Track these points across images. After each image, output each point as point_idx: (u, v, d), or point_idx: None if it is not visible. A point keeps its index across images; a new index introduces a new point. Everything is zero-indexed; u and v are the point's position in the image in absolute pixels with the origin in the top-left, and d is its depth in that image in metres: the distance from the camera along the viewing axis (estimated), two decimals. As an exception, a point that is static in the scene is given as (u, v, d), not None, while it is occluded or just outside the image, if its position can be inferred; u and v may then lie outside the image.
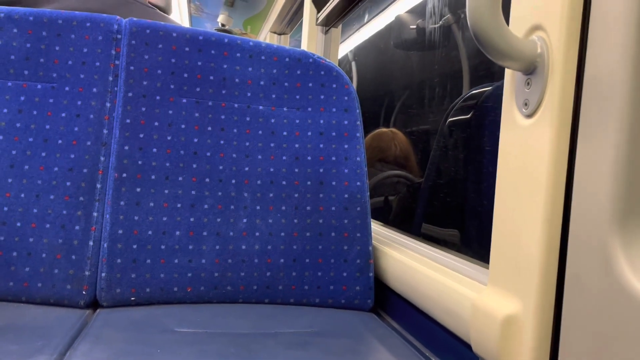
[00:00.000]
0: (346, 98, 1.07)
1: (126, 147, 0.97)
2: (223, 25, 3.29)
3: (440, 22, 1.74)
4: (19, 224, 0.93)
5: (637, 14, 0.47)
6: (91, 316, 0.90)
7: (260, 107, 1.04)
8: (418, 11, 1.93)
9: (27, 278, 0.92)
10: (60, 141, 0.96)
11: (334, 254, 1.03)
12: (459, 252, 0.92)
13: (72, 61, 0.98)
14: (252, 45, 1.05)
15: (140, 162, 0.97)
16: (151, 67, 0.99)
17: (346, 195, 1.04)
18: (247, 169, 1.02)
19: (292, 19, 2.78)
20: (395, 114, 2.27)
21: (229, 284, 0.99)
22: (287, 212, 1.02)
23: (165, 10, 1.53)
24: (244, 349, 0.77)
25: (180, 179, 0.99)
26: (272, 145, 1.03)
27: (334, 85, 1.06)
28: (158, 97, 0.99)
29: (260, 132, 1.03)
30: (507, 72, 0.65)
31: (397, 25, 1.95)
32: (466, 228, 1.22)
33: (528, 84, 0.60)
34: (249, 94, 1.04)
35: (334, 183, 1.04)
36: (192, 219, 0.98)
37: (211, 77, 1.02)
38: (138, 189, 0.97)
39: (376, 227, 1.25)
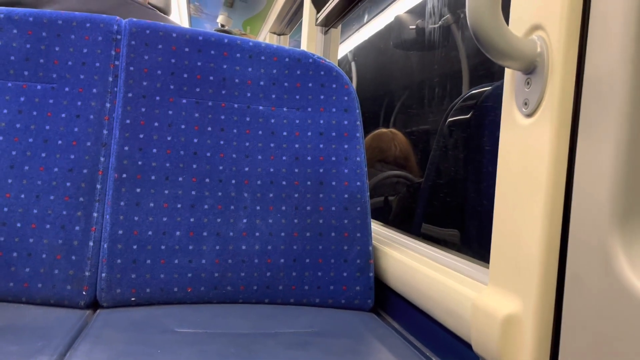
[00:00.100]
0: (346, 98, 1.07)
1: (126, 148, 0.97)
2: (222, 25, 3.29)
3: (440, 22, 1.74)
4: (19, 225, 0.93)
5: (636, 13, 0.47)
6: (91, 317, 0.90)
7: (260, 108, 1.04)
8: (417, 11, 1.94)
9: (27, 278, 0.92)
10: (60, 142, 0.96)
11: (334, 254, 1.03)
12: (459, 252, 0.92)
13: (72, 62, 0.98)
14: (252, 46, 1.05)
15: (140, 163, 0.97)
16: (151, 68, 0.99)
17: (346, 195, 1.04)
18: (247, 169, 1.02)
19: (291, 19, 2.78)
20: (395, 114, 2.27)
21: (229, 284, 0.99)
22: (287, 212, 1.02)
23: (165, 11, 1.53)
24: (244, 349, 0.77)
25: (180, 179, 0.99)
26: (272, 145, 1.04)
27: (334, 86, 1.06)
28: (158, 98, 0.99)
29: (260, 132, 1.03)
30: (507, 72, 0.65)
31: (396, 25, 1.95)
32: (466, 228, 1.22)
33: (528, 83, 0.60)
34: (248, 94, 1.04)
35: (334, 183, 1.04)
36: (192, 219, 0.98)
37: (211, 78, 1.02)
38: (138, 190, 0.97)
39: (376, 227, 1.25)
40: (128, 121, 0.97)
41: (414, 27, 1.87)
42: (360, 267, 1.03)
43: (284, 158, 1.03)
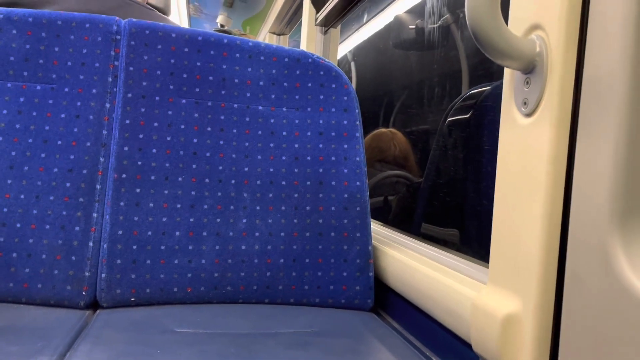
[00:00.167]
0: (345, 98, 1.07)
1: (126, 148, 0.97)
2: (222, 25, 3.29)
3: (439, 22, 1.74)
4: (18, 225, 0.93)
5: (635, 13, 0.47)
6: (91, 317, 0.90)
7: (260, 108, 1.04)
8: (417, 11, 1.94)
9: (27, 279, 0.92)
10: (59, 142, 0.96)
11: (333, 254, 1.03)
12: (458, 251, 0.92)
13: (72, 62, 0.98)
14: (251, 46, 1.05)
15: (139, 163, 0.97)
16: (150, 68, 0.99)
17: (346, 195, 1.04)
18: (246, 169, 1.02)
19: (291, 19, 2.78)
20: (394, 114, 2.27)
21: (228, 284, 0.99)
22: (286, 212, 1.02)
23: (164, 11, 1.53)
24: (244, 349, 0.77)
25: (179, 179, 0.99)
26: (271, 145, 1.04)
27: (333, 85, 1.06)
28: (157, 98, 0.99)
29: (259, 132, 1.03)
30: (506, 72, 0.65)
31: (396, 25, 1.96)
32: (466, 227, 1.23)
33: (527, 83, 0.60)
34: (248, 94, 1.04)
35: (333, 183, 1.04)
36: (191, 220, 0.98)
37: (210, 78, 1.02)
38: (138, 190, 0.97)
39: (376, 227, 1.25)
40: (128, 121, 0.97)
41: (413, 27, 1.87)
42: (360, 266, 1.03)
43: (283, 158, 1.03)
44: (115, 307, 0.95)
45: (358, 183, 1.05)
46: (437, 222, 1.36)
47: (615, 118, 0.49)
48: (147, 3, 1.43)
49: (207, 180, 1.00)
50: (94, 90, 0.98)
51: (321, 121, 1.06)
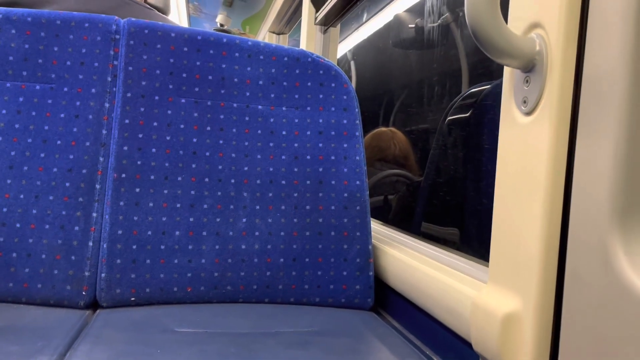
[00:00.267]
0: (345, 97, 1.07)
1: (125, 148, 0.97)
2: (222, 25, 3.29)
3: (439, 20, 1.74)
4: (18, 225, 0.93)
5: (635, 12, 0.47)
6: (91, 317, 0.90)
7: (259, 107, 1.04)
8: (416, 10, 1.93)
9: (27, 279, 0.92)
10: (59, 142, 0.96)
11: (333, 253, 1.03)
12: (458, 250, 0.92)
13: (71, 62, 0.98)
14: (251, 45, 1.05)
15: (139, 163, 0.97)
16: (150, 68, 0.99)
17: (346, 194, 1.04)
18: (246, 168, 1.02)
19: (290, 18, 2.78)
20: (394, 113, 2.27)
21: (228, 283, 0.99)
22: (286, 211, 1.02)
23: (164, 10, 1.53)
24: (245, 349, 0.77)
25: (179, 179, 0.98)
26: (271, 144, 1.03)
27: (333, 85, 1.06)
28: (157, 97, 0.99)
29: (259, 131, 1.03)
30: (506, 70, 0.65)
31: (395, 24, 1.95)
32: (466, 226, 1.22)
33: (527, 81, 0.60)
34: (247, 94, 1.04)
35: (333, 182, 1.04)
36: (191, 219, 0.98)
37: (210, 77, 1.02)
38: (137, 189, 0.97)
39: (376, 226, 1.25)
40: (127, 121, 0.97)
41: (413, 26, 1.87)
42: (360, 266, 1.03)
43: (283, 157, 1.03)
44: (115, 306, 0.95)
45: (358, 182, 1.05)
46: (437, 221, 1.36)
47: (615, 116, 0.49)
48: (146, 2, 1.43)
49: (206, 179, 1.00)
50: (93, 90, 0.98)
51: (321, 120, 1.06)
